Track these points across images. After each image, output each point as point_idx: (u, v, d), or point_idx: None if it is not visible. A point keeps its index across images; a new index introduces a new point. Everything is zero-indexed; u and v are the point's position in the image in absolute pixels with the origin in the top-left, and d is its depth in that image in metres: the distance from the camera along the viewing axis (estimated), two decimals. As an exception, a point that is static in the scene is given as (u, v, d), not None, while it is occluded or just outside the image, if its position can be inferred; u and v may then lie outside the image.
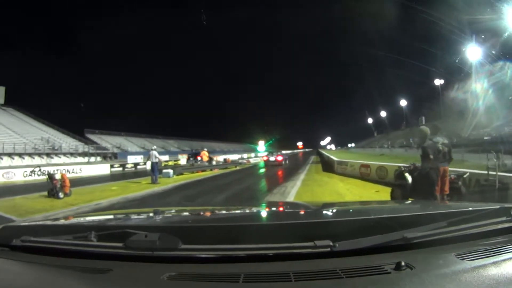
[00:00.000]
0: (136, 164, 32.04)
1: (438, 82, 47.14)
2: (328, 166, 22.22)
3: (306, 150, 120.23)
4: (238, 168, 27.40)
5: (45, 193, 10.43)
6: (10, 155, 28.66)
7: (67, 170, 22.63)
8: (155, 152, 15.19)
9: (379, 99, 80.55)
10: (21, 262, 1.11)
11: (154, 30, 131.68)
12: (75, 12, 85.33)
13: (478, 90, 27.73)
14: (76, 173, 23.59)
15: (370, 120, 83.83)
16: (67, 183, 10.59)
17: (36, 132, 37.62)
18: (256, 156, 51.27)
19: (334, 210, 2.04)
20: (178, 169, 20.39)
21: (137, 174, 22.62)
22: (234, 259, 1.01)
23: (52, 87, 68.56)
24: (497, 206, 1.32)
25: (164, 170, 18.04)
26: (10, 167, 23.47)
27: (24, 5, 74.64)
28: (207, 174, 20.79)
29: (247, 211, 2.24)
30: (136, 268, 1.00)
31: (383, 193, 8.88)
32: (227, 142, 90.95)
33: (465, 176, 6.55)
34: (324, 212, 1.98)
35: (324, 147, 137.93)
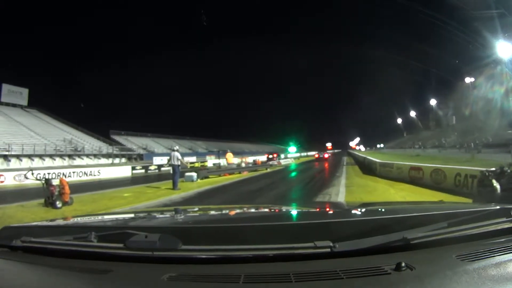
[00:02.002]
0: (160, 166, 30.16)
1: (468, 80, 45.47)
2: (367, 168, 21.23)
3: (335, 151, 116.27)
4: (269, 170, 25.51)
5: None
6: (30, 156, 27.73)
7: (84, 173, 21.21)
8: (177, 154, 12.68)
9: (408, 99, 76.27)
10: (21, 262, 1.11)
11: (178, 30, 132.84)
12: (100, 16, 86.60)
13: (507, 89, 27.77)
14: (94, 175, 22.02)
15: (399, 120, 79.71)
16: (67, 190, 8.97)
17: (59, 133, 36.99)
18: (286, 158, 48.12)
19: (334, 211, 2.07)
20: (203, 172, 18.39)
21: (160, 177, 21.03)
22: (234, 259, 1.00)
23: (78, 89, 69.70)
24: (497, 206, 1.32)
25: (187, 174, 15.96)
26: (30, 169, 22.26)
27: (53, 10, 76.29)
28: (235, 177, 18.88)
29: (248, 211, 2.22)
30: (136, 269, 0.99)
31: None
32: (256, 143, 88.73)
33: None
34: (324, 212, 2.02)
35: (353, 148, 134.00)
